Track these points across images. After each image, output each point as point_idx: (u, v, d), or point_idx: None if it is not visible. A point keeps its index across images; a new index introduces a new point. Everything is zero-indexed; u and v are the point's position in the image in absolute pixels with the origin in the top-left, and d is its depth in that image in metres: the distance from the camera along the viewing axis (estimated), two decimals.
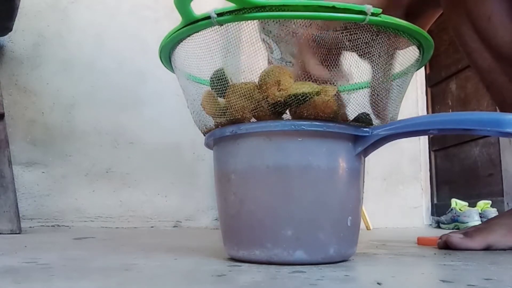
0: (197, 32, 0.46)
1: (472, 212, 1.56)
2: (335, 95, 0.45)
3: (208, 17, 0.44)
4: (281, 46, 0.53)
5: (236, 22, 0.44)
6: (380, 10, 0.42)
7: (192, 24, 0.45)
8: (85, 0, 1.39)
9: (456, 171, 1.95)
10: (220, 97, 0.48)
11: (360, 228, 0.50)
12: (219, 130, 0.48)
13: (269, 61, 0.55)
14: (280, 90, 0.44)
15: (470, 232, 0.66)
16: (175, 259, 0.48)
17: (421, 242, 0.78)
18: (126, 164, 1.37)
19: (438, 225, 1.77)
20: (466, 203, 1.63)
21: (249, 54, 0.48)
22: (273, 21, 0.46)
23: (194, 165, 1.46)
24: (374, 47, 0.45)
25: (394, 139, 0.48)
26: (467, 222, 1.54)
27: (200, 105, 0.50)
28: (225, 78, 0.47)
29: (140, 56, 1.42)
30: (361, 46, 0.45)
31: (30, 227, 1.20)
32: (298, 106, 0.44)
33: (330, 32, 0.44)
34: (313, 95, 0.44)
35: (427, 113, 2.06)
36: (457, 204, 1.63)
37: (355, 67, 0.48)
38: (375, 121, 0.49)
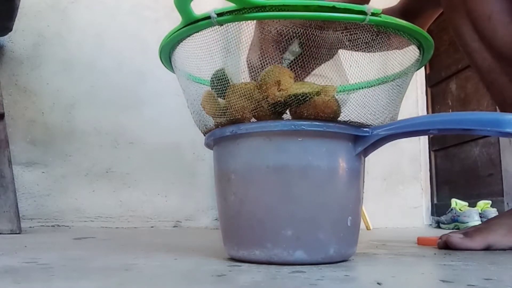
0: (197, 32, 0.46)
1: (472, 212, 1.56)
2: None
3: (208, 17, 0.44)
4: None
5: (236, 22, 0.44)
6: (380, 10, 0.42)
7: (192, 24, 0.45)
8: (85, 0, 1.39)
9: (456, 171, 1.94)
10: (220, 97, 0.48)
11: (360, 228, 0.50)
12: (219, 130, 0.48)
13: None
14: (280, 90, 0.44)
15: (470, 232, 0.66)
16: (175, 259, 0.48)
17: (421, 242, 0.78)
18: (126, 164, 1.37)
19: (438, 225, 1.77)
20: (466, 203, 1.63)
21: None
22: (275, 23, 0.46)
23: (194, 165, 1.46)
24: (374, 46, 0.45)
25: (394, 139, 0.48)
26: (467, 222, 1.54)
27: (200, 105, 0.50)
28: (225, 78, 0.47)
29: (140, 56, 1.42)
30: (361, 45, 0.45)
31: (30, 227, 1.20)
32: (298, 106, 0.44)
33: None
34: (313, 95, 0.44)
35: (427, 113, 2.06)
36: (457, 204, 1.63)
37: (355, 67, 0.48)
38: (375, 121, 0.49)
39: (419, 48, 0.51)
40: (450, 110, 2.02)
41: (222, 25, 0.44)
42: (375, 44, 0.45)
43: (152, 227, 1.37)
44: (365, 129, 0.47)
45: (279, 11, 0.41)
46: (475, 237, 0.65)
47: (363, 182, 0.50)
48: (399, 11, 0.79)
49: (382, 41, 0.46)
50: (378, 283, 0.33)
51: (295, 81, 0.46)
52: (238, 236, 0.47)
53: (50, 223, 1.26)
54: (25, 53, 1.30)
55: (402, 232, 1.36)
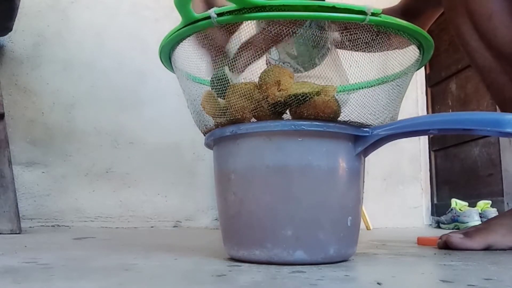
0: (197, 32, 0.46)
1: (472, 212, 1.56)
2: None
3: (208, 17, 0.44)
4: (279, 47, 0.54)
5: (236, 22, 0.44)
6: (380, 10, 0.42)
7: (192, 24, 0.45)
8: (85, 0, 1.39)
9: (456, 171, 1.94)
10: (220, 97, 0.48)
11: (360, 228, 0.50)
12: (219, 130, 0.48)
13: (267, 62, 0.56)
14: (280, 90, 0.44)
15: (470, 232, 0.66)
16: (175, 259, 0.48)
17: (421, 242, 0.78)
18: (126, 164, 1.37)
19: (438, 225, 1.77)
20: (466, 203, 1.63)
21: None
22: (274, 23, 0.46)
23: (194, 165, 1.46)
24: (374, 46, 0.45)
25: (394, 139, 0.48)
26: (467, 222, 1.54)
27: (200, 105, 0.50)
28: (225, 78, 0.47)
29: (140, 56, 1.42)
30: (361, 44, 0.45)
31: (30, 227, 1.20)
32: (298, 106, 0.44)
33: None
34: (313, 95, 0.44)
35: (427, 113, 2.06)
36: (457, 204, 1.63)
37: (355, 67, 0.48)
38: (374, 121, 0.49)
39: (419, 48, 0.51)
40: (450, 110, 2.02)
41: (222, 25, 0.44)
42: (375, 44, 0.45)
43: (152, 227, 1.37)
44: (365, 129, 0.47)
45: (278, 11, 0.41)
46: (475, 237, 0.65)
47: (363, 182, 0.50)
48: (400, 11, 0.79)
49: (382, 41, 0.46)
50: (378, 283, 0.33)
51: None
52: (238, 236, 0.47)
53: (50, 223, 1.26)
54: (25, 53, 1.30)
55: (402, 232, 1.36)
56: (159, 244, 0.72)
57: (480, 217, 1.54)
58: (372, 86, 0.52)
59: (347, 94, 0.49)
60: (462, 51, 0.72)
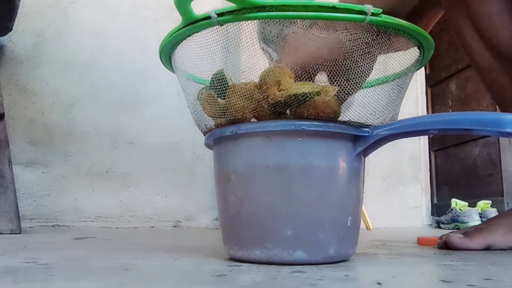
0: (197, 32, 0.46)
1: (472, 212, 1.56)
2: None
3: (208, 17, 0.44)
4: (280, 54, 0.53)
5: (236, 22, 0.44)
6: (381, 10, 0.42)
7: (192, 24, 0.45)
8: (85, 0, 1.39)
9: (456, 171, 1.94)
10: (220, 97, 0.48)
11: (360, 228, 0.50)
12: (219, 130, 0.48)
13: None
14: (280, 90, 0.44)
15: (470, 232, 0.66)
16: (175, 259, 0.48)
17: (421, 242, 0.78)
18: (126, 164, 1.37)
19: (438, 225, 1.77)
20: (466, 203, 1.63)
21: (249, 54, 0.48)
22: (274, 24, 0.45)
23: (194, 165, 1.46)
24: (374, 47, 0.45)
25: (394, 139, 0.48)
26: (467, 222, 1.54)
27: (200, 105, 0.50)
28: (225, 79, 0.47)
29: (140, 56, 1.42)
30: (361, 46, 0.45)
31: (30, 227, 1.20)
32: (298, 106, 0.44)
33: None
34: (313, 95, 0.44)
35: (427, 113, 2.06)
36: (457, 204, 1.63)
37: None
38: (374, 121, 0.49)
39: (419, 48, 0.51)
40: (450, 110, 2.02)
41: (222, 25, 0.44)
42: (375, 44, 0.45)
43: (152, 227, 1.37)
44: (365, 129, 0.47)
45: (279, 11, 0.41)
46: (475, 237, 0.65)
47: (363, 182, 0.50)
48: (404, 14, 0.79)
49: (383, 42, 0.46)
50: (378, 283, 0.33)
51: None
52: (238, 236, 0.47)
53: (50, 223, 1.26)
54: (25, 53, 1.30)
55: (402, 232, 1.36)
56: (159, 244, 0.72)
57: (480, 217, 1.55)
58: (372, 86, 0.52)
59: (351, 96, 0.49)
60: (462, 51, 0.72)
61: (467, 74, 1.89)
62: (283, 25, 0.45)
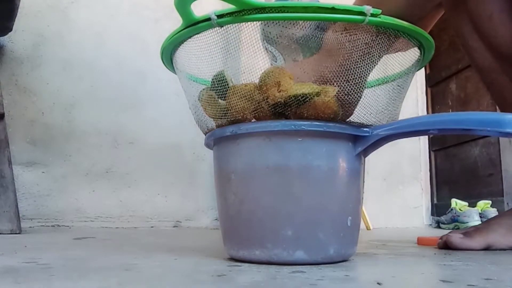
0: (198, 34, 0.46)
1: (472, 212, 1.56)
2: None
3: (208, 19, 0.44)
4: (284, 54, 0.53)
5: (236, 24, 0.44)
6: (380, 11, 0.42)
7: (193, 26, 0.45)
8: (85, 0, 1.39)
9: (456, 171, 1.94)
10: (221, 99, 0.48)
11: (360, 228, 0.50)
12: (219, 130, 0.48)
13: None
14: (280, 91, 0.44)
15: (470, 232, 0.66)
16: (175, 259, 0.48)
17: (421, 242, 0.78)
18: (126, 164, 1.37)
19: (438, 225, 1.77)
20: (466, 203, 1.63)
21: (250, 55, 0.48)
22: (276, 25, 0.46)
23: (194, 165, 1.46)
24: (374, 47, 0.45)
25: (394, 139, 0.48)
26: (467, 222, 1.54)
27: (201, 106, 0.50)
28: (225, 80, 0.47)
29: (140, 56, 1.42)
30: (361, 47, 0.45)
31: (30, 227, 1.20)
32: (298, 107, 0.44)
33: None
34: (313, 96, 0.44)
35: (427, 113, 2.06)
36: (457, 204, 1.63)
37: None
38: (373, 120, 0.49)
39: (419, 48, 0.51)
40: (450, 110, 2.02)
41: (222, 26, 0.44)
42: (375, 45, 0.45)
43: (152, 227, 1.37)
44: (365, 129, 0.47)
45: (278, 12, 0.41)
46: (475, 237, 0.65)
47: (363, 182, 0.50)
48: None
49: (382, 42, 0.46)
50: (378, 283, 0.33)
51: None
52: (238, 236, 0.47)
53: (50, 223, 1.26)
54: (25, 53, 1.30)
55: (402, 232, 1.36)
56: (159, 244, 0.72)
57: (480, 217, 1.54)
58: (372, 86, 0.52)
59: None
60: (462, 51, 0.72)
61: (467, 74, 1.89)
62: (285, 26, 0.45)
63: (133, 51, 1.42)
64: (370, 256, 0.56)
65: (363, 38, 0.44)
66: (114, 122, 1.37)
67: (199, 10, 0.45)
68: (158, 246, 0.67)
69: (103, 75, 1.38)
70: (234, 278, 0.35)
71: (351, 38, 0.44)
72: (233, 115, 0.46)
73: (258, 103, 0.45)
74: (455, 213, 1.62)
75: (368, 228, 1.52)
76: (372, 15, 0.42)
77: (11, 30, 1.17)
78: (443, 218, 1.72)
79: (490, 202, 1.59)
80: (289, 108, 0.44)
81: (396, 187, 1.88)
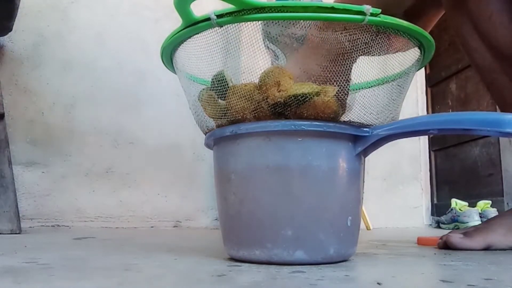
0: (197, 33, 0.46)
1: (472, 212, 1.56)
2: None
3: (208, 19, 0.44)
4: (286, 53, 0.53)
5: (236, 24, 0.44)
6: (379, 10, 0.42)
7: (192, 25, 0.45)
8: (85, 0, 1.39)
9: (456, 171, 1.94)
10: (221, 99, 0.48)
11: (360, 228, 0.50)
12: (219, 130, 0.48)
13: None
14: (280, 91, 0.44)
15: (470, 232, 0.66)
16: (175, 259, 0.48)
17: (421, 242, 0.78)
18: (126, 164, 1.37)
19: (438, 225, 1.77)
20: (466, 203, 1.63)
21: (249, 55, 0.48)
22: (277, 25, 0.46)
23: (194, 165, 1.46)
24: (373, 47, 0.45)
25: (394, 139, 0.48)
26: (467, 222, 1.54)
27: (201, 106, 0.50)
28: (225, 80, 0.47)
29: (140, 56, 1.42)
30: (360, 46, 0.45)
31: (30, 227, 1.20)
32: (298, 106, 0.44)
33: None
34: (313, 96, 0.44)
35: (427, 113, 2.06)
36: (457, 204, 1.63)
37: (356, 68, 0.47)
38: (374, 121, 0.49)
39: (419, 48, 0.51)
40: (450, 110, 2.02)
41: (222, 26, 0.44)
42: (375, 45, 0.45)
43: (152, 227, 1.37)
44: (365, 129, 0.47)
45: (278, 12, 0.41)
46: (475, 237, 0.65)
47: (363, 182, 0.50)
48: (402, 13, 0.79)
49: (382, 42, 0.46)
50: (378, 283, 0.33)
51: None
52: (238, 236, 0.47)
53: (50, 223, 1.26)
54: (25, 53, 1.30)
55: (402, 232, 1.36)
56: (159, 244, 0.72)
57: (480, 217, 1.54)
58: (372, 86, 0.52)
59: (352, 95, 0.49)
60: (462, 51, 0.72)
61: (467, 74, 1.89)
62: (286, 26, 0.45)
63: (133, 51, 1.42)
64: (370, 256, 0.56)
65: (363, 38, 0.44)
66: (114, 122, 1.37)
67: (199, 9, 0.45)
68: (158, 246, 0.67)
69: (103, 75, 1.38)
70: (234, 278, 0.35)
71: (350, 38, 0.44)
72: (233, 115, 0.46)
73: (258, 103, 0.45)
74: (455, 213, 1.62)
75: (368, 228, 1.52)
76: (372, 14, 0.42)
77: (11, 30, 1.17)
78: (443, 218, 1.72)
79: (490, 202, 1.59)
80: (289, 108, 0.44)
81: (396, 187, 1.88)
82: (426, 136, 1.98)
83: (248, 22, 0.44)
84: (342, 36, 0.44)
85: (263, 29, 0.47)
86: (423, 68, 2.09)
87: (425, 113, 2.04)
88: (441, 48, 2.00)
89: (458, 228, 1.54)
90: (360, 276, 0.39)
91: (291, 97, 0.44)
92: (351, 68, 0.46)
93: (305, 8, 0.41)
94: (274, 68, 0.45)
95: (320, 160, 0.44)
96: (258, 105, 0.45)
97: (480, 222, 1.31)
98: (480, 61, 0.68)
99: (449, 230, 0.90)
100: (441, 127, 0.45)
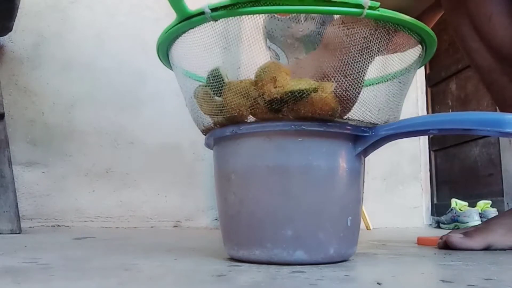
0: (192, 28, 0.46)
1: (472, 212, 1.56)
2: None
3: (202, 13, 0.43)
4: (287, 53, 0.53)
5: (231, 17, 0.44)
6: (378, 4, 0.41)
7: (187, 20, 0.45)
8: (85, 0, 1.39)
9: (456, 171, 1.94)
10: (216, 95, 0.47)
11: (360, 228, 0.50)
12: (219, 130, 0.48)
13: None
14: (276, 87, 0.43)
15: (470, 232, 0.66)
16: (175, 259, 0.48)
17: (421, 242, 0.78)
18: (126, 164, 1.37)
19: (438, 225, 1.77)
20: (466, 203, 1.63)
21: (246, 49, 0.48)
22: (278, 22, 0.45)
23: (194, 165, 1.46)
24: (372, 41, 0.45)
25: (394, 139, 0.48)
26: (467, 222, 1.54)
27: (197, 103, 0.50)
28: (220, 76, 0.46)
29: (140, 56, 1.42)
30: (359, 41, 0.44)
31: (30, 227, 1.20)
32: (295, 103, 0.43)
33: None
34: (310, 92, 0.43)
35: (427, 113, 2.06)
36: (457, 204, 1.63)
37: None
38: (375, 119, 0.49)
39: (421, 44, 0.50)
40: (450, 110, 2.02)
41: (216, 20, 0.44)
42: (373, 40, 0.45)
43: (152, 227, 1.37)
44: (365, 129, 0.46)
45: (273, 5, 0.41)
46: (475, 237, 0.65)
47: (363, 182, 0.50)
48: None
49: (382, 37, 0.45)
50: (378, 283, 0.33)
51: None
52: (238, 236, 0.47)
53: (50, 223, 1.26)
54: (25, 53, 1.30)
55: (402, 232, 1.36)
56: (159, 244, 0.72)
57: (480, 217, 1.54)
58: (374, 84, 0.52)
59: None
60: (462, 52, 0.72)
61: (467, 74, 1.89)
62: (288, 25, 0.45)
63: (133, 51, 1.42)
64: (370, 256, 0.56)
65: (361, 32, 0.44)
66: (114, 122, 1.37)
67: (194, 2, 0.45)
68: (158, 246, 0.67)
69: (103, 75, 1.38)
70: (234, 278, 0.35)
71: (348, 32, 0.44)
72: (229, 112, 0.45)
73: (254, 99, 0.44)
74: (455, 213, 1.62)
75: (368, 228, 1.52)
76: (370, 8, 0.41)
77: (11, 30, 1.17)
78: (443, 218, 1.72)
79: (490, 202, 1.59)
80: (286, 104, 0.44)
81: (396, 187, 1.88)
82: (426, 136, 1.98)
83: (244, 16, 0.43)
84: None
85: (264, 29, 0.46)
86: (423, 68, 2.09)
87: (425, 113, 2.04)
88: (441, 48, 2.00)
89: (458, 228, 1.54)
90: (360, 276, 0.39)
91: (287, 93, 0.43)
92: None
93: (302, 1, 0.40)
94: (270, 63, 0.44)
95: (320, 160, 0.44)
96: (254, 102, 0.44)
97: (480, 222, 1.31)
98: (480, 61, 0.68)
99: (449, 230, 0.90)
100: (441, 127, 0.45)
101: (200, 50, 0.47)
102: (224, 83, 0.46)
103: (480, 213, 1.56)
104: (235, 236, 0.47)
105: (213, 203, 1.45)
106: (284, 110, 0.44)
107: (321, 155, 0.44)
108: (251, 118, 0.47)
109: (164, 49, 0.51)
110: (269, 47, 0.51)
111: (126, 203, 1.35)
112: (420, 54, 0.51)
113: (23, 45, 1.30)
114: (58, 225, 1.26)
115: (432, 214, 1.97)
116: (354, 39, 0.44)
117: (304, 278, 0.35)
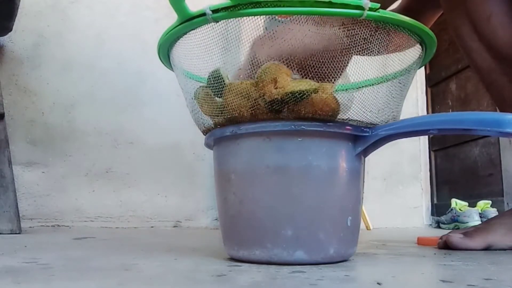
0: (193, 29, 0.46)
1: (472, 212, 1.56)
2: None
3: (204, 14, 0.43)
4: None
5: (232, 19, 0.44)
6: (378, 5, 0.42)
7: (188, 21, 0.45)
8: (85, 0, 1.39)
9: (456, 171, 1.94)
10: (217, 96, 0.48)
11: (360, 228, 0.50)
12: (219, 130, 0.48)
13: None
14: (277, 88, 0.43)
15: (470, 232, 0.66)
16: (175, 259, 0.48)
17: (421, 242, 0.78)
18: (126, 164, 1.37)
19: (438, 225, 1.77)
20: (466, 203, 1.63)
21: (247, 50, 0.48)
22: (278, 25, 0.45)
23: (194, 165, 1.46)
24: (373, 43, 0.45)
25: (394, 139, 0.48)
26: (467, 222, 1.54)
27: (197, 104, 0.50)
28: (221, 77, 0.46)
29: (140, 56, 1.42)
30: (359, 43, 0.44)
31: (30, 227, 1.20)
32: (295, 104, 0.44)
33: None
34: (311, 93, 0.43)
35: (427, 113, 2.06)
36: (457, 204, 1.63)
37: (357, 66, 0.47)
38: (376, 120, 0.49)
39: (421, 45, 0.50)
40: (450, 110, 2.01)
41: (217, 21, 0.44)
42: (374, 41, 0.45)
43: (152, 227, 1.37)
44: (365, 129, 0.46)
45: (274, 7, 0.41)
46: (475, 237, 0.65)
47: (363, 182, 0.50)
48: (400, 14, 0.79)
49: (382, 38, 0.45)
50: (378, 283, 0.33)
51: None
52: (238, 236, 0.47)
53: (50, 223, 1.26)
54: (25, 53, 1.30)
55: (402, 232, 1.36)
56: (159, 244, 0.72)
57: (480, 217, 1.54)
58: (373, 84, 0.52)
59: (351, 93, 0.48)
60: (461, 52, 0.72)
61: (467, 74, 1.89)
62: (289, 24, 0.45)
63: (133, 51, 1.42)
64: (370, 256, 0.56)
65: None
66: (114, 122, 1.37)
67: (195, 3, 0.45)
68: (158, 246, 0.67)
69: (103, 75, 1.38)
70: (234, 278, 0.35)
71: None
72: (230, 113, 0.45)
73: (254, 100, 0.44)
74: (455, 213, 1.62)
75: (368, 228, 1.52)
76: (371, 9, 0.41)
77: (11, 30, 1.17)
78: (443, 218, 1.72)
79: (490, 202, 1.59)
80: (286, 105, 0.44)
81: (396, 187, 1.88)
82: (426, 136, 1.98)
83: (245, 18, 0.43)
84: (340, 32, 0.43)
85: (265, 28, 0.46)
86: (423, 68, 2.09)
87: (425, 113, 2.04)
88: (441, 48, 2.00)
89: (458, 228, 1.54)
90: (360, 276, 0.39)
91: (288, 94, 0.43)
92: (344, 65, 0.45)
93: (302, 3, 0.40)
94: (271, 64, 0.44)
95: (320, 160, 0.44)
96: (255, 103, 0.44)
97: (480, 222, 1.31)
98: (479, 62, 0.68)
99: (449, 230, 0.90)
100: (441, 127, 0.45)
101: (201, 51, 0.47)
102: (224, 84, 0.46)
103: (480, 213, 1.56)
104: (235, 236, 0.47)
105: (213, 203, 1.45)
106: (285, 111, 0.45)
107: (321, 155, 0.44)
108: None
109: (165, 50, 0.52)
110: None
111: (126, 203, 1.35)
112: (420, 55, 0.51)
113: (23, 45, 1.30)
114: (58, 225, 1.26)
115: (432, 214, 1.97)
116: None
117: (304, 278, 0.35)
